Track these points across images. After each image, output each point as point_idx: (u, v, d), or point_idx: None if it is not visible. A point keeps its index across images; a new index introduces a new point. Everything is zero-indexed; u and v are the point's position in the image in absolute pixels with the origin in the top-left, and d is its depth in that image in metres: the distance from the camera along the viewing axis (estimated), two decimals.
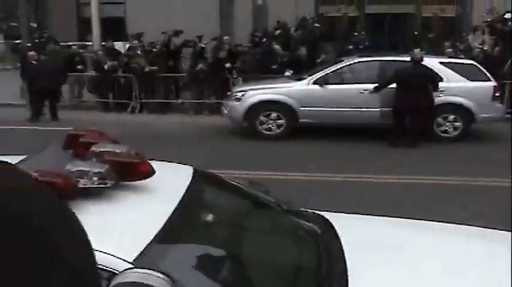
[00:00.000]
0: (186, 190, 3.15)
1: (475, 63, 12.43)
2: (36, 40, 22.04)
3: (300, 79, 12.59)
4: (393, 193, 8.08)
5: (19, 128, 12.91)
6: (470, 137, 11.95)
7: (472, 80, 11.88)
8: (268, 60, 15.24)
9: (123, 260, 2.34)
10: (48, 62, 15.43)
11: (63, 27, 23.38)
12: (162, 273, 1.39)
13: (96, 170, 2.81)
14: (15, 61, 21.96)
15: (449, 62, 12.26)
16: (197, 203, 3.37)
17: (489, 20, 18.04)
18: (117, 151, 3.05)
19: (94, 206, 2.70)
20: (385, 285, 3.07)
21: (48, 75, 14.11)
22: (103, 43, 17.72)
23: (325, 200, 6.89)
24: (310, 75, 12.43)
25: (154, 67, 15.56)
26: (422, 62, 11.60)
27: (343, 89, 12.02)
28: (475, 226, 4.23)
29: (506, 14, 17.71)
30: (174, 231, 2.83)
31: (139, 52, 16.20)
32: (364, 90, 11.79)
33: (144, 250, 2.47)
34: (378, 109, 11.83)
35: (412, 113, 11.42)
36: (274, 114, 12.26)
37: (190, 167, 3.63)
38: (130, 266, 2.24)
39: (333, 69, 12.32)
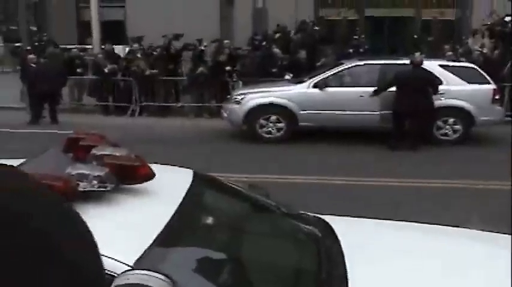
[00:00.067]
0: (186, 193, 3.15)
1: (474, 66, 12.44)
2: (36, 43, 22.07)
3: (299, 82, 12.59)
4: (393, 196, 8.08)
5: (19, 131, 12.92)
6: (470, 140, 11.95)
7: (471, 83, 11.89)
8: (268, 63, 15.25)
9: (123, 263, 2.33)
10: (48, 65, 15.43)
11: (63, 30, 23.42)
12: (162, 274, 1.38)
13: (96, 174, 2.81)
14: (14, 64, 22.00)
15: (449, 65, 12.28)
16: (197, 207, 3.36)
17: (489, 23, 18.06)
18: (117, 154, 3.05)
19: (94, 209, 2.70)
20: None
21: (48, 78, 14.12)
22: (103, 46, 17.73)
23: (325, 203, 6.89)
24: (310, 79, 12.44)
25: (154, 70, 15.58)
26: (422, 65, 11.61)
27: (343, 92, 12.02)
28: (475, 229, 4.23)
29: (506, 17, 17.73)
30: (174, 234, 2.82)
31: (139, 55, 16.21)
32: (364, 93, 11.80)
33: (144, 253, 2.47)
34: (378, 112, 11.84)
35: (412, 116, 11.42)
36: (274, 118, 12.27)
37: (190, 170, 3.63)
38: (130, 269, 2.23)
39: (333, 73, 12.33)
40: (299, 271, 3.33)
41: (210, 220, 3.63)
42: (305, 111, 12.04)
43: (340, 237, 3.50)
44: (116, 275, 1.86)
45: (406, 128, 11.64)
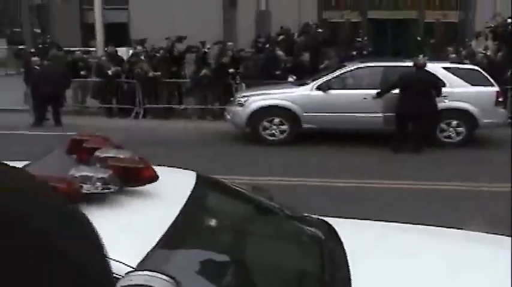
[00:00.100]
0: (190, 195, 3.15)
1: (478, 68, 12.43)
2: (40, 46, 22.12)
3: (303, 85, 12.59)
4: (396, 199, 8.07)
5: (22, 134, 12.94)
6: (473, 142, 11.93)
7: (475, 85, 11.88)
8: (272, 65, 15.26)
9: (127, 265, 2.33)
10: (52, 68, 15.47)
11: (67, 32, 23.49)
12: (166, 275, 1.38)
13: (100, 176, 2.81)
14: (18, 66, 22.04)
15: (452, 68, 12.26)
16: (200, 209, 3.36)
17: (492, 25, 18.05)
18: (121, 156, 3.06)
19: (97, 211, 2.70)
20: None
21: (51, 80, 14.15)
22: (106, 49, 17.77)
23: (328, 205, 6.88)
24: (313, 81, 12.44)
25: (157, 73, 15.60)
26: (426, 68, 11.60)
27: (346, 95, 12.02)
28: (478, 231, 4.22)
29: (509, 19, 17.71)
30: (177, 236, 2.83)
31: (142, 57, 16.22)
32: (367, 95, 11.79)
33: (147, 255, 2.47)
34: (381, 114, 11.83)
35: (415, 118, 11.41)
36: (277, 120, 12.27)
37: (194, 172, 3.63)
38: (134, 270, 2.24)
39: (336, 75, 12.33)
40: (302, 273, 3.33)
41: (213, 222, 3.63)
42: (308, 114, 12.04)
43: (343, 239, 3.49)
44: (119, 277, 1.86)
45: (410, 130, 11.63)
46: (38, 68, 14.99)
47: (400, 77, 11.47)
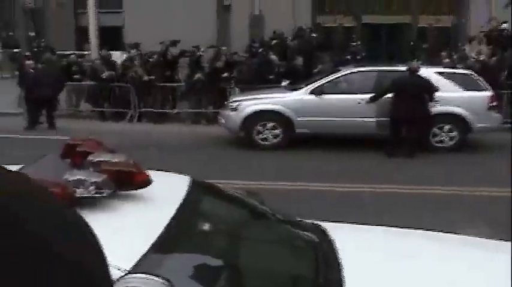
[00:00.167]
0: (183, 200, 3.15)
1: (471, 72, 12.45)
2: (35, 49, 22.08)
3: (296, 89, 12.60)
4: (390, 203, 8.08)
5: (16, 137, 12.90)
6: (466, 147, 11.96)
7: (468, 90, 11.91)
8: (265, 70, 15.27)
9: (120, 269, 2.34)
10: (46, 71, 15.44)
11: (61, 36, 23.44)
12: (161, 277, 1.39)
13: (93, 180, 2.82)
14: (13, 70, 21.97)
15: (445, 72, 12.30)
16: (194, 213, 3.37)
17: (487, 30, 18.13)
18: (114, 160, 3.06)
19: (91, 215, 2.69)
20: None
21: (45, 84, 14.12)
22: (100, 52, 17.75)
23: (321, 210, 6.90)
24: (306, 85, 12.45)
25: (151, 77, 15.58)
26: (419, 72, 11.63)
27: (340, 99, 12.03)
28: (472, 235, 4.24)
29: (503, 24, 17.81)
30: (170, 241, 2.83)
31: (136, 62, 16.21)
32: (361, 100, 11.81)
33: (140, 259, 2.47)
34: (375, 119, 11.85)
35: (409, 123, 11.43)
36: (270, 124, 12.26)
37: (187, 176, 3.63)
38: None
39: (330, 79, 12.34)
40: (296, 277, 3.34)
41: (207, 227, 3.63)
42: (302, 118, 12.04)
43: (338, 243, 3.50)
44: (114, 281, 1.86)
45: (403, 134, 11.65)
46: (32, 71, 14.97)
47: (393, 81, 11.50)
